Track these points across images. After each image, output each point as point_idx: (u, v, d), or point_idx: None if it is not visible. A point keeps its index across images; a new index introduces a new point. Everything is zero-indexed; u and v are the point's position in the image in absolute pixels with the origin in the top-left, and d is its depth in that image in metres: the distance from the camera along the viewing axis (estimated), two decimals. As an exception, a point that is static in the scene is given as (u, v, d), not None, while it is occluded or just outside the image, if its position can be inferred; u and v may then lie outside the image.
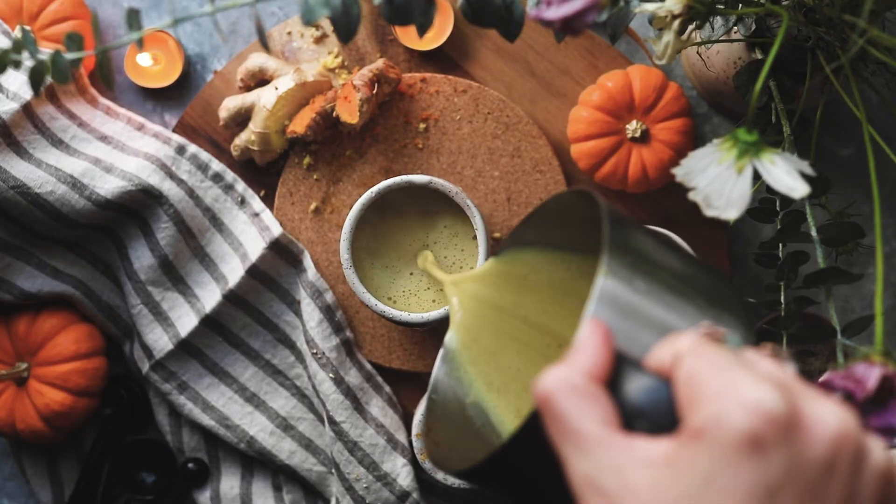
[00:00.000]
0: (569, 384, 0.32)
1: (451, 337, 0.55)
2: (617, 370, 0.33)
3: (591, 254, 0.49)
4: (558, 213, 0.51)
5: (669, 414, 0.31)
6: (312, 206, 0.81)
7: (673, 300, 0.37)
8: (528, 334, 0.50)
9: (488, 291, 0.55)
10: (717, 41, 0.63)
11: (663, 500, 0.29)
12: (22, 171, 0.73)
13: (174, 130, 0.82)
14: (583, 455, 0.31)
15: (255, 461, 0.83)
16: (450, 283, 0.58)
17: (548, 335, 0.50)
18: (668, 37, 0.49)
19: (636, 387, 0.32)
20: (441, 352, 0.54)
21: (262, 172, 0.82)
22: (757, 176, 0.44)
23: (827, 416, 0.30)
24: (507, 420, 0.49)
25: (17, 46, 0.45)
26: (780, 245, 0.65)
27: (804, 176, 0.43)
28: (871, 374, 0.42)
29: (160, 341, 0.79)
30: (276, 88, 0.77)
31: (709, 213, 0.44)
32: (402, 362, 0.81)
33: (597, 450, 0.31)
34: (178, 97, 0.83)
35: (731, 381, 0.30)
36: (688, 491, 0.28)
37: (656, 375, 0.33)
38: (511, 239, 0.56)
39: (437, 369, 0.53)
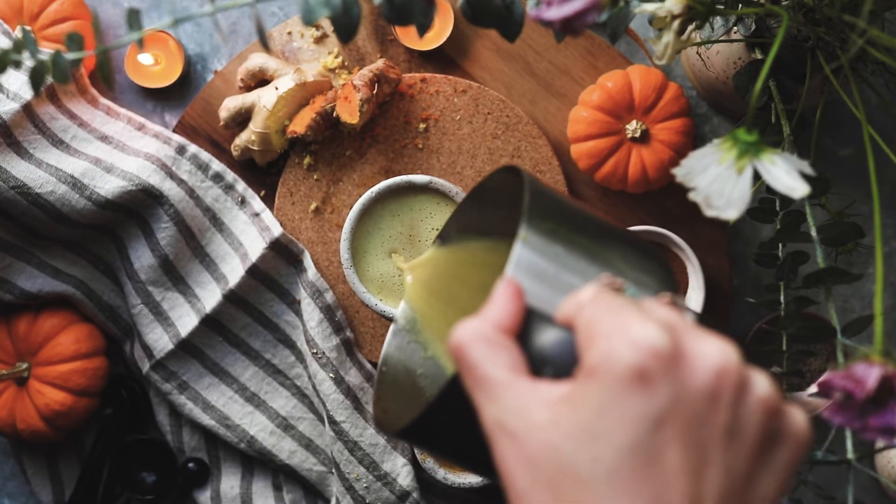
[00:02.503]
0: (479, 334, 0.34)
1: (403, 308, 0.57)
2: (529, 324, 0.36)
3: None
4: (493, 194, 0.54)
5: (573, 359, 0.34)
6: (312, 206, 0.81)
7: (590, 263, 0.40)
8: (474, 303, 0.53)
9: (438, 270, 0.57)
10: (717, 41, 0.63)
11: (561, 433, 0.30)
12: (22, 171, 0.74)
13: (174, 130, 0.82)
14: (491, 400, 0.33)
15: (256, 461, 0.83)
16: (406, 268, 0.60)
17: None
18: (668, 37, 0.49)
19: (544, 337, 0.35)
20: (392, 327, 0.56)
21: (262, 172, 0.82)
22: (757, 176, 0.44)
23: (709, 349, 0.31)
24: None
25: (18, 46, 0.45)
26: (780, 245, 0.65)
27: (804, 176, 0.43)
28: (870, 374, 0.42)
29: (160, 341, 0.79)
30: (277, 88, 0.77)
31: (709, 213, 0.44)
32: (403, 362, 0.81)
33: (504, 394, 0.32)
34: (179, 97, 0.83)
35: (621, 322, 0.32)
36: (583, 424, 0.30)
37: (564, 327, 0.35)
38: (452, 224, 0.57)
39: (388, 345, 0.55)
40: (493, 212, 0.54)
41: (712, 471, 0.30)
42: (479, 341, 0.34)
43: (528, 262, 0.38)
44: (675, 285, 0.43)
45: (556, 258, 0.39)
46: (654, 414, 0.30)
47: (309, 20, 0.44)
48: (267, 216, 0.80)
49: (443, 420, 0.38)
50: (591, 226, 0.43)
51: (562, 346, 0.34)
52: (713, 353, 0.31)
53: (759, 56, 0.67)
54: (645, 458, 0.30)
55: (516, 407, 0.32)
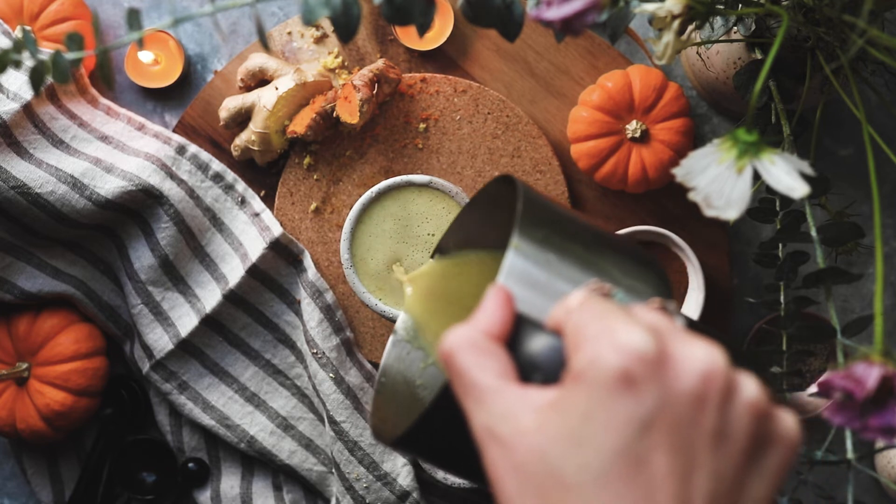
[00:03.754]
0: (468, 341, 0.34)
1: (403, 318, 0.58)
2: (519, 331, 0.35)
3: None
4: (490, 204, 0.54)
5: (562, 365, 0.33)
6: (312, 206, 0.81)
7: (582, 271, 0.40)
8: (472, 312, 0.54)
9: (437, 282, 0.58)
10: (717, 41, 0.63)
11: (548, 438, 0.30)
12: (22, 171, 0.74)
13: (174, 130, 0.82)
14: (480, 406, 0.33)
15: (256, 461, 0.83)
16: (406, 280, 0.60)
17: None
18: (668, 37, 0.49)
19: (534, 344, 0.35)
20: (391, 338, 0.57)
21: (262, 172, 0.82)
22: (757, 176, 0.44)
23: (695, 353, 0.31)
24: None
25: (18, 46, 0.45)
26: (780, 245, 0.65)
27: (804, 176, 0.43)
28: (870, 374, 0.42)
29: (160, 341, 0.79)
30: (277, 88, 0.77)
31: (709, 213, 0.44)
32: (403, 362, 0.81)
33: (492, 400, 0.32)
34: (179, 97, 0.83)
35: (607, 327, 0.31)
36: (570, 428, 0.30)
37: (553, 333, 0.35)
38: (451, 236, 0.57)
39: (387, 355, 0.56)
40: (489, 222, 0.55)
41: (700, 474, 0.30)
42: (468, 348, 0.34)
43: (520, 269, 0.38)
44: (670, 292, 0.43)
45: (549, 266, 0.39)
46: (640, 418, 0.30)
47: (309, 20, 0.44)
48: (267, 216, 0.80)
49: (437, 428, 0.38)
50: (585, 234, 0.43)
51: (551, 352, 0.34)
52: (699, 356, 0.31)
53: (759, 56, 0.67)
54: (632, 463, 0.29)
55: (504, 413, 0.32)
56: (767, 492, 0.32)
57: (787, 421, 0.33)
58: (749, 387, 0.32)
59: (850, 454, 0.57)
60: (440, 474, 0.79)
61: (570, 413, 0.30)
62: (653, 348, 0.30)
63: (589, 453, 0.30)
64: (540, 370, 0.34)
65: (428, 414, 0.37)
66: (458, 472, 0.42)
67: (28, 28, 0.71)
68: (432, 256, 0.59)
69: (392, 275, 0.76)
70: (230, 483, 0.82)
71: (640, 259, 0.44)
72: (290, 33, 0.81)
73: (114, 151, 0.78)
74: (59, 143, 0.77)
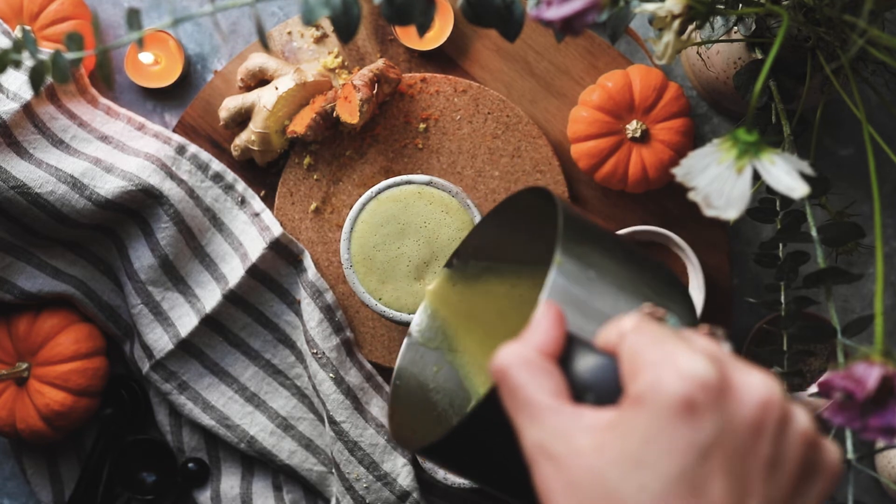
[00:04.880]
0: (523, 358, 0.35)
1: (419, 321, 0.58)
2: (569, 349, 0.36)
3: (540, 265, 0.54)
4: (513, 216, 0.54)
5: (615, 387, 0.34)
6: (312, 206, 0.81)
7: (621, 290, 0.41)
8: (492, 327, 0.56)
9: (457, 295, 0.58)
10: (717, 41, 0.63)
11: (606, 460, 0.31)
12: (22, 171, 0.74)
13: (174, 130, 0.82)
14: (535, 424, 0.33)
15: (256, 461, 0.83)
16: (429, 291, 0.61)
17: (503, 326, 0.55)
18: (668, 37, 0.49)
19: (585, 363, 0.35)
20: (406, 340, 0.57)
21: (262, 172, 0.82)
22: (757, 176, 0.44)
23: (754, 382, 0.32)
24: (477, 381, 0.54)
25: (18, 46, 0.45)
26: (780, 245, 0.65)
27: (804, 176, 0.43)
28: (871, 374, 0.42)
29: (160, 341, 0.79)
30: (277, 88, 0.77)
31: (709, 213, 0.44)
32: (403, 362, 0.81)
33: (548, 418, 0.33)
34: (179, 97, 0.83)
35: (668, 353, 0.32)
36: (628, 451, 0.31)
37: (604, 353, 0.35)
38: (469, 243, 0.58)
39: (401, 358, 0.56)
40: (511, 233, 0.55)
41: (753, 501, 0.31)
42: (524, 365, 0.34)
43: (562, 286, 0.39)
44: (695, 311, 0.44)
45: (589, 284, 0.40)
46: (700, 444, 0.30)
47: (309, 20, 0.44)
48: (267, 216, 0.80)
49: (469, 440, 0.38)
50: (618, 250, 0.44)
51: (603, 373, 0.35)
52: (758, 386, 0.32)
53: (760, 56, 0.67)
54: (690, 487, 0.30)
55: (559, 432, 0.32)
56: None
57: (833, 451, 0.34)
58: (801, 417, 0.33)
59: (850, 454, 0.57)
60: (440, 474, 0.79)
61: (630, 436, 0.31)
62: (715, 376, 0.31)
63: (648, 476, 0.30)
64: (592, 390, 0.34)
65: (465, 423, 0.37)
66: (483, 482, 0.42)
67: (28, 28, 0.71)
68: (448, 265, 0.59)
69: (391, 272, 0.76)
70: (230, 483, 0.82)
71: (667, 277, 0.45)
72: (290, 33, 0.81)
73: (114, 151, 0.78)
74: (58, 142, 0.77)
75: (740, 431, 0.31)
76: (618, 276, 0.41)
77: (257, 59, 0.79)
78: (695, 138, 0.79)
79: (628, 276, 0.42)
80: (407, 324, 0.73)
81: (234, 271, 0.79)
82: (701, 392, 0.31)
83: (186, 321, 0.79)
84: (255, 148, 0.79)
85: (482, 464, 0.40)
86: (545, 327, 0.36)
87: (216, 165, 0.80)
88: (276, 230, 0.79)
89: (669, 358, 0.32)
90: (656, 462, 0.30)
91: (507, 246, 0.56)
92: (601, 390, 0.34)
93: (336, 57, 0.81)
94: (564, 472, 0.32)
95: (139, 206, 0.77)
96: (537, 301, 0.54)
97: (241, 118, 0.79)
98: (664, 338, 0.33)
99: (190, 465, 0.82)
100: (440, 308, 0.58)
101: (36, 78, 0.46)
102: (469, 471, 0.42)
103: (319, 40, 0.82)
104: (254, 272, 0.79)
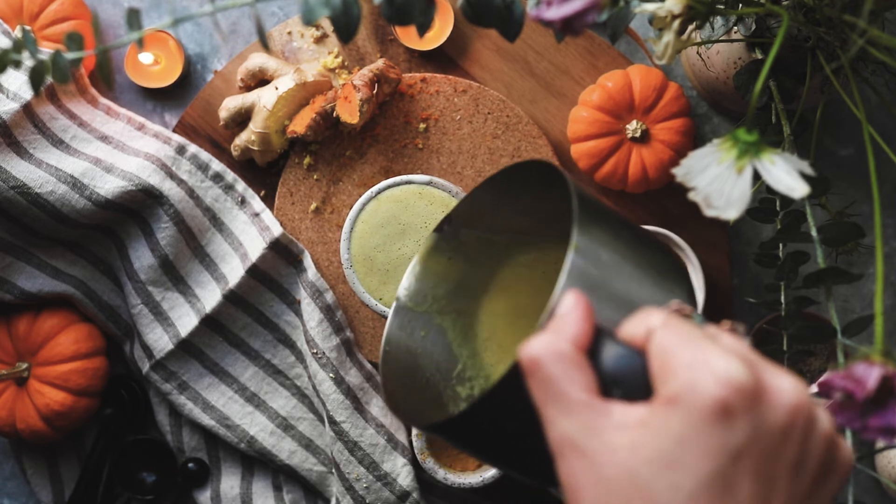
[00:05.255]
0: (556, 351, 0.35)
1: (408, 283, 0.58)
2: (596, 341, 0.36)
3: (532, 236, 0.54)
4: (509, 187, 0.54)
5: (643, 382, 0.34)
6: (312, 206, 0.81)
7: (632, 274, 0.40)
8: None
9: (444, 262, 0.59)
10: (717, 41, 0.63)
11: (639, 458, 0.31)
12: (22, 171, 0.74)
13: (174, 130, 0.82)
14: (566, 417, 0.33)
15: (256, 461, 0.83)
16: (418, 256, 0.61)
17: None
18: (668, 37, 0.49)
19: (613, 357, 0.35)
20: (394, 305, 0.57)
21: (262, 172, 0.82)
22: (757, 176, 0.44)
23: (786, 387, 0.33)
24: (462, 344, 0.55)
25: (18, 46, 0.45)
26: (780, 245, 0.65)
27: (804, 176, 0.43)
28: (871, 374, 0.42)
29: (160, 341, 0.79)
30: (277, 88, 0.77)
31: (709, 213, 0.44)
32: (403, 362, 0.81)
33: (580, 413, 0.33)
34: (179, 97, 0.83)
35: (702, 354, 0.33)
36: (662, 450, 0.31)
37: (629, 347, 0.35)
38: (460, 211, 0.57)
39: (389, 323, 0.56)
40: (503, 205, 0.55)
41: (778, 499, 0.32)
42: (557, 358, 0.35)
43: (580, 269, 0.39)
44: (693, 292, 0.44)
45: (604, 268, 0.39)
46: (733, 447, 0.31)
47: (309, 20, 0.44)
48: (267, 216, 0.80)
49: (479, 419, 0.38)
50: (626, 231, 0.44)
51: (631, 369, 0.35)
52: (790, 390, 0.33)
53: (760, 56, 0.67)
54: (721, 487, 0.31)
55: (591, 427, 0.33)
56: None
57: (847, 449, 0.35)
58: (824, 419, 0.34)
59: (850, 454, 0.57)
60: (440, 474, 0.79)
61: (664, 436, 0.31)
62: (749, 380, 0.32)
63: (681, 476, 0.31)
64: (620, 385, 0.35)
65: (478, 405, 0.37)
66: (488, 459, 0.42)
67: (28, 28, 0.71)
68: (438, 230, 0.58)
69: (390, 272, 0.76)
70: (230, 483, 0.82)
71: (671, 260, 0.44)
72: (290, 33, 0.81)
73: (114, 151, 0.78)
74: (58, 142, 0.77)
75: (771, 435, 0.32)
76: (630, 259, 0.41)
77: (257, 59, 0.79)
78: (695, 138, 0.79)
79: (639, 258, 0.42)
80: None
81: (234, 271, 0.79)
82: (736, 396, 0.31)
83: (186, 321, 0.79)
84: (255, 148, 0.79)
85: (489, 442, 0.40)
86: (576, 318, 0.36)
87: (216, 165, 0.80)
88: (276, 230, 0.79)
89: (703, 359, 0.32)
90: (690, 463, 0.31)
91: (499, 216, 0.55)
92: (629, 386, 0.34)
93: (336, 57, 0.81)
94: (596, 468, 0.32)
95: (139, 206, 0.77)
96: (531, 274, 0.54)
97: (241, 118, 0.79)
98: (695, 337, 0.33)
99: (190, 465, 0.82)
100: (428, 271, 0.58)
101: (36, 78, 0.46)
102: (474, 447, 0.42)
103: (319, 40, 0.82)
104: (254, 272, 0.79)
